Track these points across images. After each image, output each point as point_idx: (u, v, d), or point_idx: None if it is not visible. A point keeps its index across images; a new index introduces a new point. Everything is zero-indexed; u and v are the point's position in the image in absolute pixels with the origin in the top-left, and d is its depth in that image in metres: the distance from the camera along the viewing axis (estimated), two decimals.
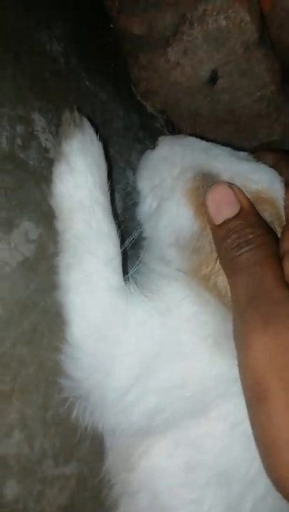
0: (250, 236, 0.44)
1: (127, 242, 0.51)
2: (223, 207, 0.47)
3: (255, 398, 0.39)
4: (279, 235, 0.49)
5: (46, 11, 0.56)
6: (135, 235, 0.55)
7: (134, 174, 0.63)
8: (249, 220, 0.46)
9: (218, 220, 0.47)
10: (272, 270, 0.42)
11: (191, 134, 0.61)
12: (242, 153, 0.58)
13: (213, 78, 0.69)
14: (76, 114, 0.51)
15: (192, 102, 0.72)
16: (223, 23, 0.63)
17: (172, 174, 0.55)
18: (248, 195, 0.50)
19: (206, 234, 0.51)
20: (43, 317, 0.46)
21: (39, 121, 0.50)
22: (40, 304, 0.45)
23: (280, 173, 0.54)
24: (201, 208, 0.51)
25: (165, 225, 0.53)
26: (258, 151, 0.62)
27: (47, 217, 0.48)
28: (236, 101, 0.73)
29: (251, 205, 0.47)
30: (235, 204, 0.47)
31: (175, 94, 0.71)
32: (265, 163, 0.56)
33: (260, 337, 0.40)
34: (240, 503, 0.48)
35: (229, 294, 0.47)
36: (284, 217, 0.51)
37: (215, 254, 0.49)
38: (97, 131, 0.52)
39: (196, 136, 0.60)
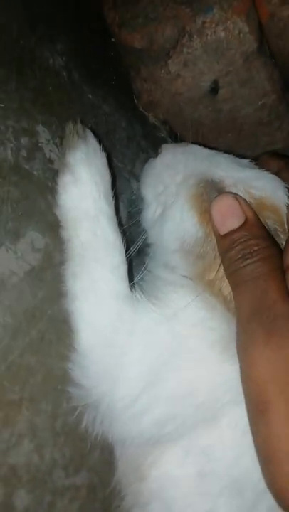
0: (255, 248, 0.44)
1: (131, 249, 0.51)
2: (228, 218, 0.47)
3: (257, 409, 0.39)
4: (282, 242, 0.50)
5: (48, 26, 0.57)
6: (140, 241, 0.55)
7: (138, 183, 0.64)
8: (254, 232, 0.46)
9: (223, 230, 0.47)
10: (276, 284, 0.43)
11: (194, 143, 0.61)
12: (244, 161, 0.59)
13: (214, 88, 0.70)
14: (79, 126, 0.52)
15: (194, 112, 0.73)
16: (222, 34, 0.64)
17: (175, 181, 0.55)
18: (252, 202, 0.51)
19: (210, 240, 0.51)
20: (51, 325, 0.46)
21: (43, 133, 0.51)
22: (48, 313, 0.46)
23: (284, 180, 0.55)
24: (205, 214, 0.51)
25: (170, 231, 0.54)
26: (262, 156, 0.62)
27: (52, 227, 0.49)
28: (238, 110, 0.74)
29: (256, 216, 0.48)
30: (241, 215, 0.47)
31: (177, 104, 0.72)
32: (268, 170, 0.56)
33: (262, 350, 0.40)
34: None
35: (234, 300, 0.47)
36: (286, 226, 0.51)
37: (219, 261, 0.49)
38: (100, 142, 0.52)
39: (199, 144, 0.61)
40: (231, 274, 0.46)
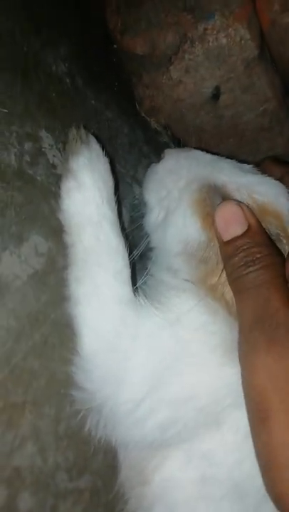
0: (258, 255, 0.45)
1: (134, 253, 0.52)
2: (231, 224, 0.47)
3: (258, 417, 0.40)
4: (285, 247, 0.50)
5: (51, 31, 0.58)
6: (142, 245, 0.55)
7: (140, 189, 0.64)
8: (257, 240, 0.46)
9: (226, 237, 0.47)
10: (279, 292, 0.43)
11: (196, 148, 0.62)
12: (247, 166, 0.59)
13: (216, 95, 0.71)
14: (82, 131, 0.52)
15: (195, 117, 0.73)
16: (224, 41, 0.65)
17: (178, 186, 0.56)
18: (254, 207, 0.51)
19: (213, 245, 0.51)
20: (54, 329, 0.46)
21: (46, 139, 0.52)
22: (51, 317, 0.46)
23: (287, 186, 0.55)
24: (207, 218, 0.52)
25: (173, 235, 0.54)
26: (264, 161, 0.63)
27: (55, 232, 0.49)
28: (239, 116, 0.75)
29: (259, 224, 0.48)
30: (244, 222, 0.47)
31: (179, 110, 0.72)
32: (270, 176, 0.57)
33: (263, 359, 0.40)
34: None
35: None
36: None
37: (222, 266, 0.50)
38: (103, 147, 0.53)
39: (201, 150, 0.61)
40: (234, 281, 0.46)
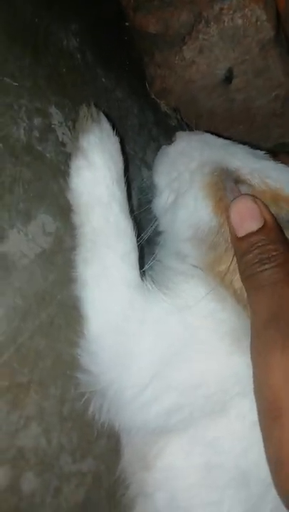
0: (273, 253, 0.44)
1: (142, 236, 0.51)
2: (246, 220, 0.46)
3: (269, 415, 0.39)
4: None
5: (63, 6, 0.56)
6: (150, 229, 0.54)
7: (149, 172, 0.63)
8: (272, 237, 0.45)
9: (241, 232, 0.46)
10: None
11: (207, 132, 0.61)
12: (260, 152, 0.58)
13: (229, 77, 0.69)
14: (93, 109, 0.51)
15: (207, 100, 0.72)
16: (240, 21, 0.63)
17: (190, 168, 0.55)
18: (267, 191, 0.50)
19: (224, 231, 0.50)
20: (60, 310, 0.45)
21: (56, 115, 0.50)
22: (58, 297, 0.45)
23: None
24: (219, 203, 0.51)
25: (182, 218, 0.53)
26: (281, 154, 0.62)
27: (63, 211, 0.48)
28: (251, 100, 0.73)
29: (275, 220, 0.47)
30: (259, 218, 0.46)
31: (190, 92, 0.71)
32: (283, 163, 0.56)
33: (279, 357, 0.39)
34: (260, 505, 0.46)
35: (244, 294, 0.46)
36: None
37: (231, 253, 0.49)
38: (113, 127, 0.52)
39: (211, 133, 0.60)
40: (248, 278, 0.45)
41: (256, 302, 0.44)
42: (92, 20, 0.62)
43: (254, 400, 0.43)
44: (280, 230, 0.47)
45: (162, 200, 0.57)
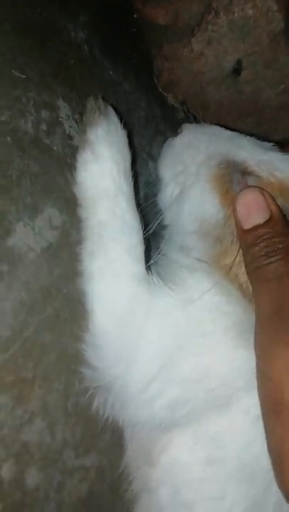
0: (279, 246, 0.43)
1: (148, 229, 0.50)
2: (253, 212, 0.45)
3: (273, 409, 0.39)
4: None
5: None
6: (156, 222, 0.54)
7: (155, 165, 0.63)
8: (278, 230, 0.44)
9: (247, 225, 0.45)
10: None
11: (214, 124, 0.60)
12: (268, 144, 0.57)
13: (237, 69, 0.68)
14: (101, 102, 0.50)
15: (215, 92, 0.71)
16: (250, 12, 0.62)
17: (196, 161, 0.54)
18: (274, 182, 0.50)
19: (230, 224, 0.50)
20: (66, 304, 0.45)
21: (64, 108, 0.50)
22: (64, 291, 0.45)
23: None
24: (226, 195, 0.50)
25: (188, 211, 0.53)
26: (285, 145, 0.61)
27: (70, 205, 0.48)
28: (259, 93, 0.72)
29: (281, 213, 0.46)
30: (266, 210, 0.45)
31: (198, 84, 0.70)
32: None
33: (283, 350, 0.39)
34: (263, 500, 0.46)
35: (250, 287, 0.46)
36: None
37: (236, 246, 0.49)
38: (121, 120, 0.51)
39: (219, 126, 0.59)
40: (253, 271, 0.45)
41: (261, 295, 0.43)
42: (99, 12, 0.61)
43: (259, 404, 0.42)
44: (287, 222, 0.46)
45: (167, 194, 0.56)
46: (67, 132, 0.50)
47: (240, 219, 0.46)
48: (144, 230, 0.50)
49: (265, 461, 0.45)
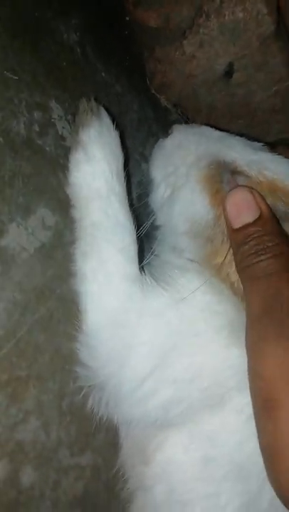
0: (269, 244, 0.44)
1: (141, 230, 0.51)
2: (242, 211, 0.46)
3: (264, 406, 0.39)
4: None
5: (63, 1, 0.56)
6: (148, 223, 0.54)
7: (148, 167, 0.63)
8: (268, 228, 0.45)
9: (237, 224, 0.46)
10: None
11: (206, 125, 0.60)
12: (257, 144, 0.58)
13: (229, 72, 0.69)
14: (93, 103, 0.51)
15: (207, 95, 0.71)
16: (240, 15, 0.62)
17: (186, 162, 0.55)
18: (264, 181, 0.50)
19: (220, 223, 0.50)
20: (60, 304, 0.45)
21: (56, 109, 0.50)
22: (57, 291, 0.45)
23: None
24: (216, 195, 0.51)
25: (179, 212, 0.53)
26: (278, 146, 0.61)
27: (63, 205, 0.48)
28: (251, 95, 0.73)
29: (271, 212, 0.47)
30: (255, 209, 0.46)
31: (190, 87, 0.70)
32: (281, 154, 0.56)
33: (273, 348, 0.39)
34: (258, 498, 0.47)
35: (241, 286, 0.46)
36: None
37: (227, 245, 0.49)
38: (113, 121, 0.51)
39: (211, 127, 0.60)
40: (243, 269, 0.45)
41: (251, 293, 0.44)
42: (92, 14, 0.61)
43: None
44: (277, 221, 0.47)
45: (159, 194, 0.57)
46: (60, 133, 0.50)
47: (230, 218, 0.46)
48: (137, 231, 0.50)
49: (259, 459, 0.45)
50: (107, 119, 0.51)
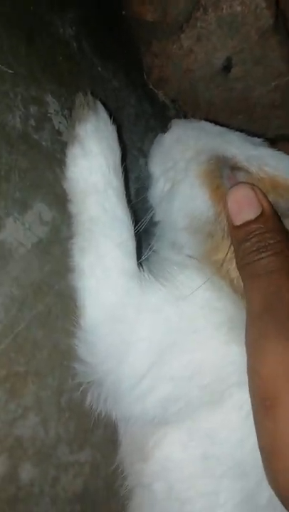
0: (271, 241, 0.43)
1: (139, 225, 0.50)
2: (244, 208, 0.45)
3: (264, 405, 0.39)
4: None
5: None
6: (146, 218, 0.54)
7: (146, 162, 0.63)
8: (269, 225, 0.45)
9: (238, 221, 0.45)
10: None
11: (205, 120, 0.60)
12: (257, 140, 0.58)
13: (227, 66, 0.69)
14: (90, 98, 0.50)
15: (205, 90, 0.71)
16: (238, 8, 0.62)
17: (186, 157, 0.54)
18: (265, 177, 0.50)
19: (221, 219, 0.50)
20: (58, 300, 0.45)
21: (52, 104, 0.50)
22: (55, 287, 0.45)
23: None
24: (216, 190, 0.50)
25: (178, 207, 0.53)
26: (279, 142, 0.61)
27: (60, 200, 0.48)
28: (250, 90, 0.72)
29: (272, 209, 0.46)
30: (257, 206, 0.45)
31: (188, 82, 0.70)
32: (281, 150, 0.55)
33: (273, 346, 0.39)
34: (256, 495, 0.46)
35: (241, 283, 0.46)
36: None
37: (227, 242, 0.49)
38: (110, 115, 0.51)
39: (210, 122, 0.60)
40: (244, 266, 0.45)
41: (252, 291, 0.44)
42: (88, 9, 0.61)
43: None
44: (278, 218, 0.46)
45: (158, 190, 0.56)
46: (56, 128, 0.50)
47: (232, 215, 0.46)
48: (135, 227, 0.50)
49: (257, 456, 0.45)
50: (103, 114, 0.51)
